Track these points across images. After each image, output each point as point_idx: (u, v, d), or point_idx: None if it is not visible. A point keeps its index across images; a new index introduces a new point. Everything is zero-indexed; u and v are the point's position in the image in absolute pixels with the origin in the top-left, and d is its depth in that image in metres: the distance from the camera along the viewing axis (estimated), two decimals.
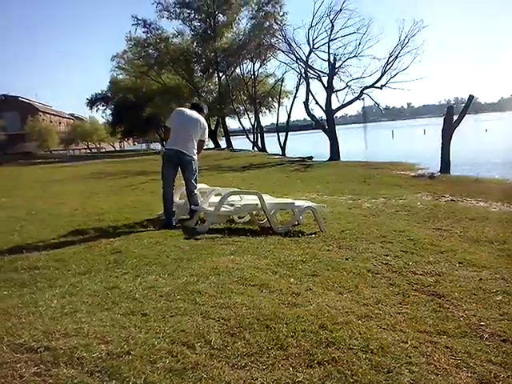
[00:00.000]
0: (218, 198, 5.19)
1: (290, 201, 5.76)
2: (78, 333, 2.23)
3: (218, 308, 2.58)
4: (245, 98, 35.92)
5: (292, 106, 29.90)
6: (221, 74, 35.69)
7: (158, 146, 48.06)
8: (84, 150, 50.39)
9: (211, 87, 38.46)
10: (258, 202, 4.94)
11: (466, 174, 12.48)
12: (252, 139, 34.47)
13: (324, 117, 23.07)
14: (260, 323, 2.40)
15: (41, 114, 47.30)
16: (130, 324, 2.35)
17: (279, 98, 32.99)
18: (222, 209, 4.97)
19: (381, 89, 20.95)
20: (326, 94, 21.72)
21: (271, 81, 34.98)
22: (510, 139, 24.51)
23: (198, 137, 5.40)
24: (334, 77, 21.52)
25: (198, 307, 2.59)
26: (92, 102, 46.94)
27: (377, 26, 53.86)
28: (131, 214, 6.09)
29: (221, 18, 34.05)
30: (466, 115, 15.11)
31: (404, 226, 5.22)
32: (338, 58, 21.48)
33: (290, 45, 22.36)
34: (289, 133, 29.86)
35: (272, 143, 31.63)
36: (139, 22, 32.41)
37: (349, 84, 21.51)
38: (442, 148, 14.07)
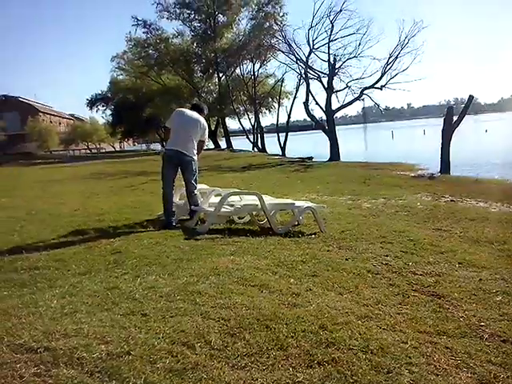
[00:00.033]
0: (218, 198, 5.20)
1: (289, 201, 5.76)
2: (77, 333, 2.23)
3: (217, 308, 2.58)
4: (245, 98, 35.94)
5: (292, 106, 30.01)
6: (221, 75, 35.73)
7: (158, 147, 48.06)
8: (84, 151, 50.37)
9: (211, 88, 38.49)
10: (257, 202, 4.94)
11: (466, 175, 12.49)
12: (252, 140, 34.50)
13: (324, 117, 23.11)
14: (260, 323, 2.40)
15: (41, 114, 47.29)
16: (129, 324, 2.35)
17: (279, 98, 33.03)
18: (222, 209, 4.97)
19: (381, 89, 20.98)
20: (325, 94, 21.76)
21: (271, 81, 35.05)
22: (509, 140, 24.51)
23: (198, 137, 5.40)
24: (334, 77, 21.56)
25: (197, 307, 2.59)
26: (92, 103, 46.97)
27: (377, 26, 53.91)
28: (131, 214, 6.09)
29: (221, 18, 34.10)
30: (466, 116, 15.12)
31: (404, 227, 5.22)
32: (337, 58, 21.54)
33: (289, 45, 22.39)
34: (289, 133, 29.89)
35: (272, 144, 31.64)
36: (139, 22, 32.49)
37: (349, 84, 21.55)
38: (441, 148, 14.07)
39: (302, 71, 23.19)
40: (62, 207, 7.27)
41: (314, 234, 4.84)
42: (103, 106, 47.59)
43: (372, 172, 13.47)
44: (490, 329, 2.53)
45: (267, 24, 30.06)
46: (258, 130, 33.75)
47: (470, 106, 15.53)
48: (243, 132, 37.20)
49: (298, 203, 5.35)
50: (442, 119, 14.90)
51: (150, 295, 2.78)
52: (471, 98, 15.69)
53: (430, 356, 2.18)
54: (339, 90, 21.94)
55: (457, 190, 8.99)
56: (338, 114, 31.26)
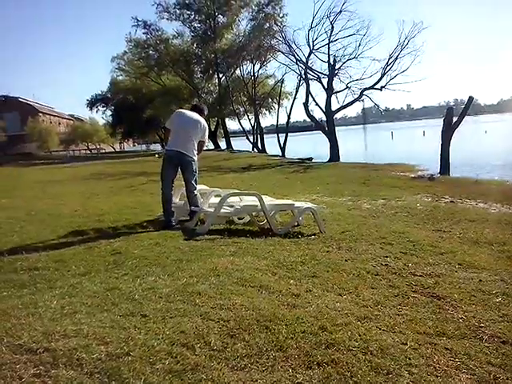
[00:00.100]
0: (218, 199, 5.19)
1: (289, 202, 5.76)
2: (77, 334, 2.23)
3: (217, 309, 2.58)
4: (245, 99, 35.98)
5: (292, 107, 30.07)
6: (221, 75, 35.77)
7: (157, 147, 48.09)
8: (84, 151, 50.33)
9: (211, 88, 38.55)
10: (257, 203, 4.94)
11: (466, 176, 12.49)
12: (252, 140, 34.53)
13: (324, 118, 23.13)
14: (259, 324, 2.40)
15: (41, 114, 47.28)
16: (129, 325, 2.35)
17: (279, 99, 33.07)
18: (222, 210, 4.97)
19: (380, 90, 21.00)
20: (325, 95, 21.79)
21: (271, 82, 35.09)
22: (509, 141, 24.52)
23: (199, 138, 5.40)
24: (334, 78, 21.59)
25: (197, 308, 2.59)
26: (92, 103, 47.04)
27: (377, 27, 54.03)
28: (131, 215, 6.08)
29: (221, 19, 34.16)
30: (466, 117, 15.14)
31: (403, 228, 5.22)
32: (337, 59, 21.56)
33: (289, 46, 22.42)
34: (288, 134, 29.91)
35: (272, 144, 31.67)
36: (139, 23, 32.55)
37: (348, 85, 21.58)
38: (441, 149, 14.09)
39: (302, 72, 23.22)
40: (61, 208, 7.27)
41: (314, 234, 4.83)
42: (103, 107, 47.70)
43: (372, 173, 13.48)
44: (490, 330, 2.53)
45: (267, 25, 30.11)
46: (257, 131, 33.78)
47: (469, 107, 15.55)
48: (243, 133, 37.23)
49: (297, 204, 5.35)
50: (441, 120, 14.91)
51: (149, 296, 2.78)
52: (471, 99, 15.72)
53: (430, 357, 2.18)
54: (339, 91, 22.00)
55: (456, 190, 8.99)
56: (338, 115, 31.34)
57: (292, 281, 3.19)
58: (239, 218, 5.58)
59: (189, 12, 33.25)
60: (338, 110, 22.85)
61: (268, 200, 5.35)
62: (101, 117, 52.30)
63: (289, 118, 30.16)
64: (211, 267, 3.37)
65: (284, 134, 29.26)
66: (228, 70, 35.16)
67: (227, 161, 21.41)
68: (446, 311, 2.80)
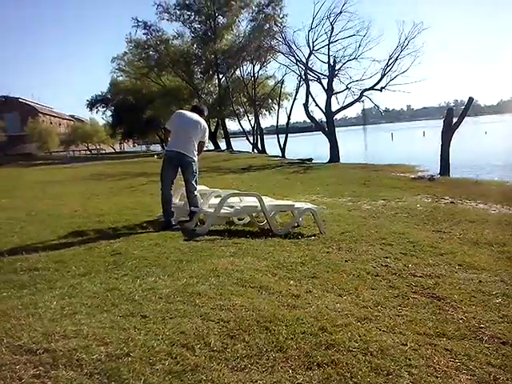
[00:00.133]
0: (218, 199, 5.20)
1: (289, 203, 5.76)
2: (77, 334, 2.23)
3: (217, 310, 2.58)
4: (245, 99, 36.00)
5: (292, 107, 30.05)
6: (221, 76, 35.80)
7: (158, 148, 48.09)
8: (84, 152, 50.34)
9: (211, 89, 38.56)
10: (257, 203, 4.94)
11: (466, 176, 12.50)
12: (252, 141, 34.54)
13: (324, 119, 23.14)
14: (259, 325, 2.39)
15: (41, 115, 47.28)
16: (129, 326, 2.35)
17: (279, 99, 33.08)
18: (222, 210, 4.97)
19: (380, 91, 21.01)
20: (325, 96, 21.79)
21: (271, 83, 35.13)
22: (509, 141, 24.53)
23: (199, 138, 5.41)
24: (334, 79, 21.59)
25: (197, 309, 2.59)
26: (92, 104, 47.06)
27: (377, 28, 54.06)
28: (131, 215, 6.09)
29: (221, 19, 34.20)
30: (466, 117, 15.14)
31: (403, 228, 5.22)
32: (337, 60, 21.56)
33: (289, 47, 22.42)
34: (288, 135, 29.91)
35: (272, 145, 31.68)
36: (139, 23, 32.57)
37: (349, 86, 21.58)
38: (441, 150, 14.09)
39: (302, 73, 23.23)
40: (61, 208, 7.27)
41: (314, 235, 4.83)
42: (103, 107, 47.74)
43: (372, 173, 13.48)
44: (490, 331, 2.53)
45: (267, 25, 30.14)
46: (257, 132, 33.79)
47: (469, 108, 15.56)
48: (243, 133, 37.25)
49: (297, 205, 5.35)
50: (441, 121, 14.91)
51: (149, 296, 2.78)
52: (471, 99, 15.73)
53: (430, 358, 2.18)
54: (339, 92, 22.00)
55: (456, 191, 8.99)
56: (338, 116, 31.42)
57: (292, 281, 3.19)
58: (239, 219, 5.58)
59: (189, 13, 33.30)
60: (338, 110, 22.86)
61: (268, 201, 5.35)
62: (101, 117, 52.42)
63: (289, 118, 30.21)
64: (211, 268, 3.37)
65: (284, 135, 29.27)
66: (228, 70, 35.18)
67: (227, 161, 21.41)
68: (446, 312, 2.80)
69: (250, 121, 36.32)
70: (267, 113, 37.49)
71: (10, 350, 2.08)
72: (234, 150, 34.34)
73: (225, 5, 32.41)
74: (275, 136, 30.79)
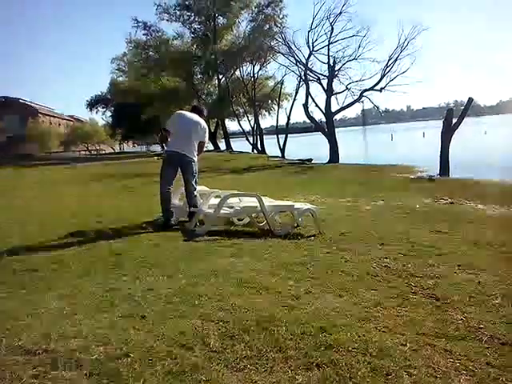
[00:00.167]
0: (218, 200, 5.20)
1: (289, 203, 5.76)
2: (76, 335, 2.23)
3: (216, 310, 2.58)
4: (244, 100, 35.99)
5: (291, 108, 30.01)
6: (220, 77, 35.76)
7: (157, 148, 48.05)
8: (84, 152, 50.34)
9: (211, 89, 38.54)
10: (257, 204, 4.94)
11: (465, 177, 12.49)
12: (252, 141, 34.53)
13: (323, 119, 23.17)
14: (259, 326, 2.39)
15: (41, 115, 47.29)
16: (128, 326, 2.35)
17: (279, 100, 33.05)
18: (222, 211, 4.97)
19: (380, 91, 21.06)
20: (325, 96, 21.83)
21: (271, 83, 35.13)
22: (508, 141, 24.54)
23: (199, 139, 5.42)
24: (334, 79, 21.64)
25: (196, 309, 2.59)
26: (92, 104, 47.13)
27: (377, 29, 54.10)
28: (131, 215, 6.08)
29: (221, 20, 34.17)
30: (465, 118, 15.16)
31: (403, 229, 5.22)
32: (337, 60, 21.62)
33: (289, 47, 22.48)
34: (288, 135, 29.91)
35: (271, 145, 31.65)
36: (139, 24, 32.52)
37: (348, 87, 21.64)
38: (441, 150, 14.10)
39: (302, 73, 23.25)
40: (61, 208, 7.27)
41: (314, 235, 4.83)
42: (103, 108, 47.82)
43: (371, 174, 13.49)
44: (490, 331, 2.52)
45: (267, 26, 30.16)
46: (257, 132, 33.77)
47: (469, 108, 15.58)
48: (243, 134, 37.25)
49: (297, 205, 5.35)
50: (441, 121, 14.94)
51: (148, 297, 2.78)
52: (470, 100, 15.75)
53: (429, 358, 2.18)
54: (339, 92, 22.05)
55: (456, 192, 8.99)
56: (338, 116, 31.46)
57: (291, 282, 3.19)
58: (239, 219, 5.58)
59: (189, 13, 33.25)
60: (338, 111, 22.90)
61: (267, 201, 5.35)
62: (100, 118, 52.54)
63: (288, 119, 30.19)
64: (211, 268, 3.38)
65: (284, 135, 29.27)
66: (228, 71, 35.16)
67: (227, 162, 21.39)
68: (446, 312, 2.80)
69: (249, 121, 36.38)
70: (267, 113, 37.55)
71: (10, 350, 2.08)
72: (234, 150, 34.31)
73: (225, 5, 32.37)
74: (275, 136, 30.78)
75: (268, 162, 21.28)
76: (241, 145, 38.14)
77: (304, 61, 22.29)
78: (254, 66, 32.89)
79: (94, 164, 25.74)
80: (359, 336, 2.34)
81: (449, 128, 14.16)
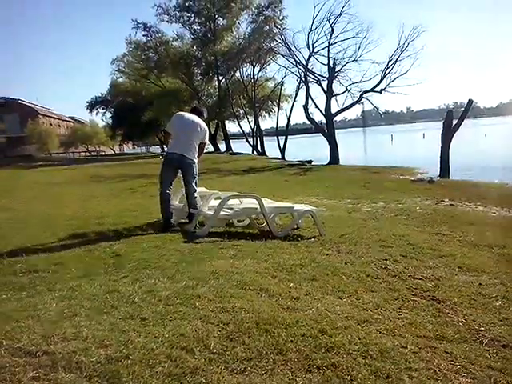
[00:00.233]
0: (218, 201, 5.20)
1: (289, 205, 5.76)
2: (76, 337, 2.22)
3: (217, 312, 2.58)
4: (244, 101, 36.03)
5: (291, 109, 30.06)
6: (220, 78, 35.79)
7: (157, 150, 48.08)
8: (84, 153, 50.34)
9: (211, 91, 38.56)
10: (257, 205, 4.94)
11: (466, 179, 12.50)
12: (252, 143, 34.54)
13: (323, 121, 23.19)
14: (259, 328, 2.39)
15: (41, 116, 47.30)
16: (128, 328, 2.35)
17: (279, 101, 33.08)
18: (222, 212, 4.97)
19: (380, 93, 21.07)
20: (325, 97, 21.85)
21: (271, 84, 35.18)
22: (508, 143, 24.54)
23: (199, 140, 5.42)
24: (334, 81, 21.67)
25: (197, 311, 2.58)
26: (92, 106, 47.14)
27: (377, 30, 54.16)
28: (131, 217, 6.09)
29: (221, 21, 34.19)
30: (466, 119, 15.17)
31: (403, 231, 5.22)
32: (337, 62, 21.64)
33: (289, 49, 22.50)
34: (288, 136, 29.92)
35: (272, 147, 31.68)
36: (139, 25, 32.54)
37: (348, 88, 21.65)
38: (441, 152, 14.11)
39: (302, 75, 23.28)
40: (61, 210, 7.27)
41: (314, 237, 4.83)
42: (103, 109, 47.82)
43: (371, 176, 13.50)
44: (490, 334, 2.52)
45: (267, 27, 30.15)
46: (257, 134, 33.79)
47: (469, 110, 15.59)
48: (243, 135, 37.28)
49: (297, 206, 5.35)
50: (441, 123, 14.95)
51: (149, 299, 2.78)
52: (470, 102, 15.77)
53: (430, 361, 2.18)
54: (339, 94, 22.07)
55: (456, 193, 9.00)
56: (338, 118, 31.35)
57: (292, 284, 3.19)
58: (239, 221, 5.58)
59: (189, 14, 33.29)
60: (338, 112, 22.91)
61: (268, 203, 5.35)
62: (101, 119, 52.58)
63: (288, 120, 30.24)
64: (211, 270, 3.37)
65: (284, 137, 29.28)
66: (228, 72, 35.18)
67: (227, 163, 21.40)
68: (446, 315, 2.80)
69: (249, 123, 36.38)
70: (267, 115, 37.57)
71: (10, 352, 2.07)
72: (234, 151, 34.31)
73: (224, 7, 32.42)
74: (275, 138, 30.80)
75: (268, 163, 21.29)
76: (241, 146, 38.15)
77: (304, 62, 22.35)
78: (254, 68, 32.99)
79: (94, 165, 25.74)
80: (359, 338, 2.34)
81: (449, 130, 14.17)
